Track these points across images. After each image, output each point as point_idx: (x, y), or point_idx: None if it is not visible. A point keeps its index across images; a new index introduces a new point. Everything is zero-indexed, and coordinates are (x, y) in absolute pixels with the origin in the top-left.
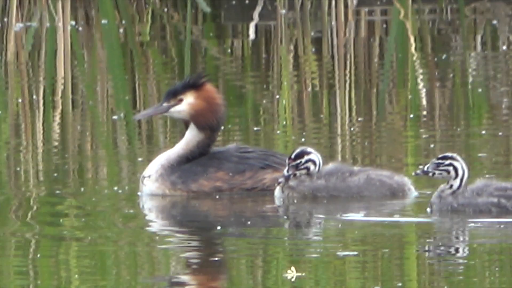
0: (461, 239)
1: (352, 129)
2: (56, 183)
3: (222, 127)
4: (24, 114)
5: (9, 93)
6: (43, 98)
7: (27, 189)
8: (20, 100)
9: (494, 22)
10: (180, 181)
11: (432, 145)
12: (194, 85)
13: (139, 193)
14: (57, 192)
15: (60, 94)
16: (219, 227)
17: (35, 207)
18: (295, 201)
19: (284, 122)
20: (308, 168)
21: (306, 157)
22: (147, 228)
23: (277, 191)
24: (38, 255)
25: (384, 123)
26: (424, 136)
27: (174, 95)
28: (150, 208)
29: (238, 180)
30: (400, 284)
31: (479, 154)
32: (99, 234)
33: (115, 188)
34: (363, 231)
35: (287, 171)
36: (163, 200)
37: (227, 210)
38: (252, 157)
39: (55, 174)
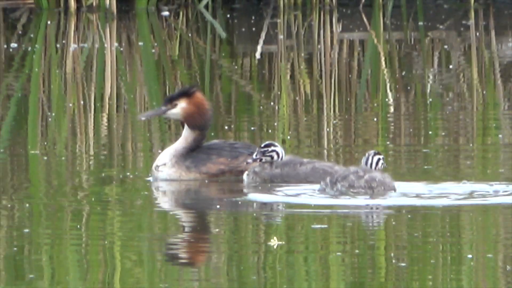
0: None
1: (334, 123)
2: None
3: (212, 126)
4: (79, 115)
5: (67, 99)
6: (94, 104)
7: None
8: (71, 105)
9: (446, 47)
10: (193, 165)
11: (395, 135)
12: (186, 93)
13: (150, 179)
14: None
15: (107, 101)
16: (218, 206)
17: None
18: (257, 184)
19: (283, 121)
20: (272, 157)
21: (272, 148)
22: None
23: (245, 176)
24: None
25: (361, 121)
26: (391, 130)
27: (171, 100)
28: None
29: (235, 164)
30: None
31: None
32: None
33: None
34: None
35: (255, 155)
36: (179, 184)
37: (220, 192)
38: (239, 146)
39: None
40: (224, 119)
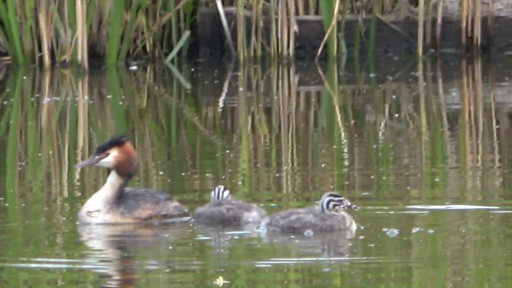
0: None
1: (292, 171)
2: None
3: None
4: (54, 162)
5: (43, 148)
6: (68, 152)
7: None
8: (51, 152)
9: (394, 97)
10: (126, 211)
11: (348, 180)
12: (117, 143)
13: (78, 223)
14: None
15: (80, 149)
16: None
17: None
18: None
19: (243, 166)
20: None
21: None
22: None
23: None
24: None
25: (318, 166)
26: (344, 171)
27: (103, 150)
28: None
29: (158, 209)
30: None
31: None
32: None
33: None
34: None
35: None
36: (114, 227)
37: (156, 234)
38: (155, 193)
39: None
40: (188, 166)
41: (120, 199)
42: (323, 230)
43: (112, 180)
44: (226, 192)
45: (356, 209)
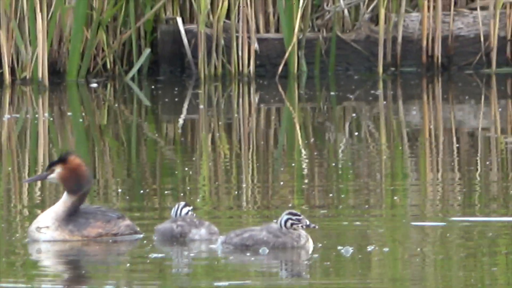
0: None
1: (252, 186)
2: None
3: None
4: (13, 178)
5: (3, 165)
6: (28, 168)
7: None
8: (10, 169)
9: (353, 115)
10: (75, 229)
11: (309, 197)
12: (61, 159)
13: (27, 240)
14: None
15: (40, 165)
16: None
17: None
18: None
19: (203, 183)
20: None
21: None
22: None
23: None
24: None
25: (278, 183)
26: (303, 188)
27: (50, 166)
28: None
29: (109, 227)
30: None
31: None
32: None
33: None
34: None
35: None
36: (63, 244)
37: (112, 251)
38: (106, 210)
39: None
40: (149, 183)
41: (71, 217)
42: (276, 248)
43: (65, 197)
44: (186, 209)
45: (314, 229)
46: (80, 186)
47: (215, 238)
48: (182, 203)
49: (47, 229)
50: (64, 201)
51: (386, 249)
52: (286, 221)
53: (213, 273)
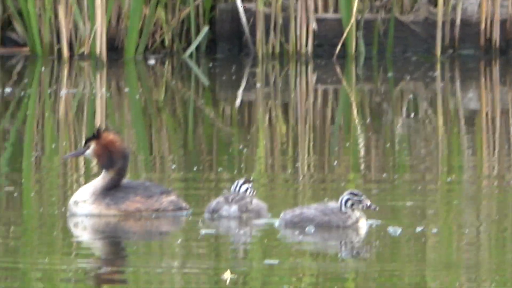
0: None
1: (308, 164)
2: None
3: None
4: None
5: (59, 140)
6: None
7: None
8: (67, 144)
9: (409, 96)
10: (112, 202)
11: (366, 172)
12: (95, 136)
13: (68, 214)
14: None
15: None
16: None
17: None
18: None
19: (259, 158)
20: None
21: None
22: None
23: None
24: None
25: (334, 162)
26: (361, 172)
27: (86, 143)
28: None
29: (149, 203)
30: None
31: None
32: None
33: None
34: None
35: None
36: (101, 219)
37: (148, 227)
38: (150, 185)
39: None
40: (205, 160)
41: (109, 191)
42: (321, 226)
43: (103, 172)
44: (245, 185)
45: (375, 210)
46: (113, 162)
47: (251, 216)
48: (242, 180)
49: (84, 203)
50: (103, 176)
51: (434, 230)
52: (346, 201)
53: (264, 251)
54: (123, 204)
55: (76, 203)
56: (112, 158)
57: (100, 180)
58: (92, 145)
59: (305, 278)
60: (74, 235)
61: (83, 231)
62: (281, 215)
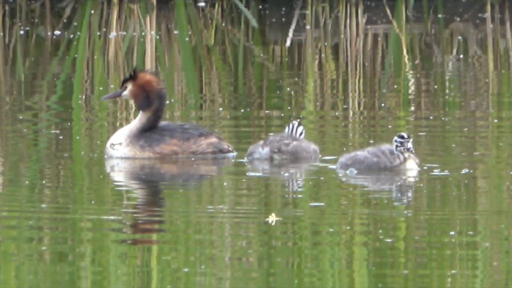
0: None
1: (359, 102)
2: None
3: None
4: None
5: (109, 82)
6: None
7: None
8: (112, 86)
9: (459, 38)
10: (146, 145)
11: (416, 109)
12: (131, 76)
13: (105, 157)
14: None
15: None
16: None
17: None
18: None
19: (309, 99)
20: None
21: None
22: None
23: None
24: None
25: (384, 100)
26: (411, 111)
27: (123, 84)
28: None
29: (186, 146)
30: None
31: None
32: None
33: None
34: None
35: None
36: (133, 162)
37: (187, 169)
38: (189, 128)
39: None
40: (255, 100)
41: (145, 133)
42: (369, 167)
43: (140, 114)
44: (301, 128)
45: (412, 153)
46: (150, 102)
47: (286, 158)
48: (296, 122)
49: (119, 146)
50: (139, 118)
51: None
52: (396, 144)
53: (309, 194)
54: (157, 146)
55: (112, 145)
56: (148, 98)
57: (136, 122)
58: (129, 86)
59: (353, 220)
60: (111, 180)
61: (119, 174)
62: (340, 158)
